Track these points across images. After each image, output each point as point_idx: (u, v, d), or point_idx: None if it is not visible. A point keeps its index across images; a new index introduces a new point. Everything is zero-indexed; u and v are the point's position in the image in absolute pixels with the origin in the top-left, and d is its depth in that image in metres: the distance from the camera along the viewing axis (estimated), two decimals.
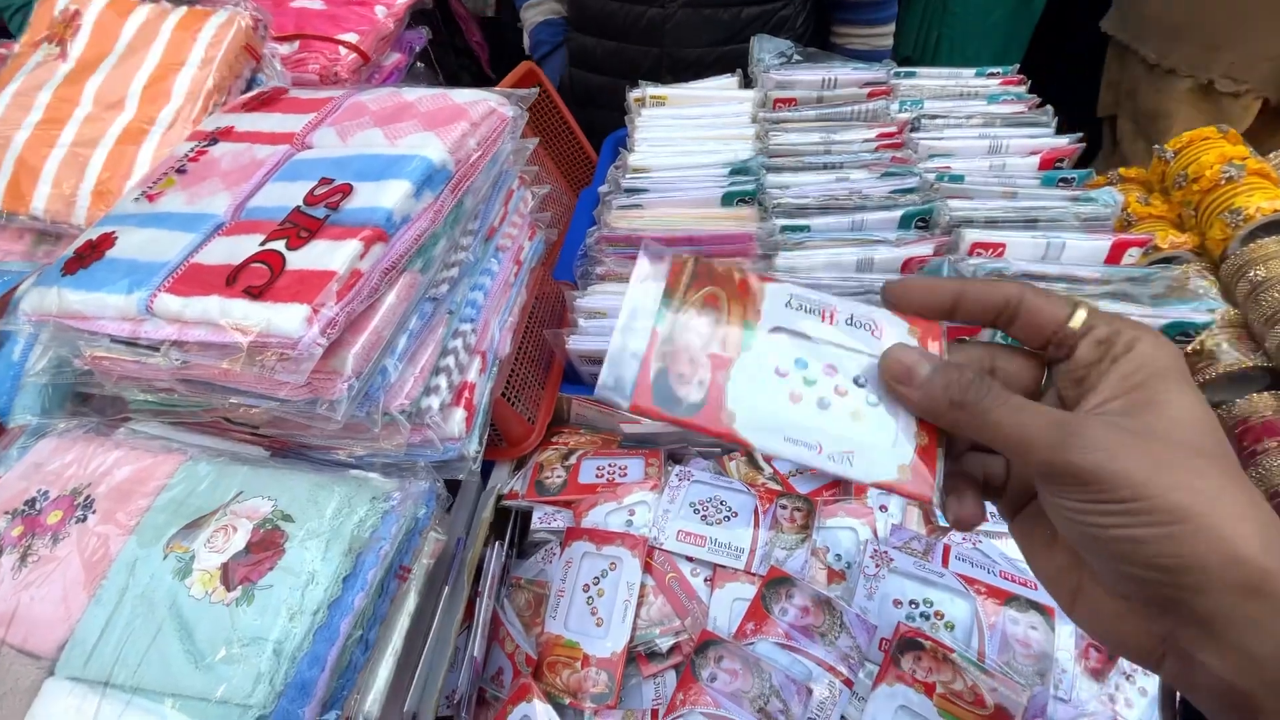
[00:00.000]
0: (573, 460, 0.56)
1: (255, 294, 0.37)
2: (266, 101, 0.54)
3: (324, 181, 0.42)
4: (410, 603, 0.43)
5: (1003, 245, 0.59)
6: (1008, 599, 0.42)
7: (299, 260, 0.38)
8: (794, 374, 0.26)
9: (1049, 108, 0.75)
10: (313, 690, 0.33)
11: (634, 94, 0.87)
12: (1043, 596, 0.42)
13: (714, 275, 0.28)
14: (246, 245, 0.40)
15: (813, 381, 0.26)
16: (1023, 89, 0.80)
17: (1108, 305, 0.52)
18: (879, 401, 0.25)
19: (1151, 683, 0.40)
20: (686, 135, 0.80)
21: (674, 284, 0.28)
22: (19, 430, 0.47)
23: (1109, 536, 0.20)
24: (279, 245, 0.39)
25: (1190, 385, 0.22)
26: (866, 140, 0.75)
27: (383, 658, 0.40)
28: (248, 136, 0.50)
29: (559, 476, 0.55)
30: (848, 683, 0.39)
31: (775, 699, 0.38)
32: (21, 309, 0.43)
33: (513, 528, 0.55)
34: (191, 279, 0.39)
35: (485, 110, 0.48)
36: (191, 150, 0.50)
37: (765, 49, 0.90)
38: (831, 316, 0.27)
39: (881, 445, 0.25)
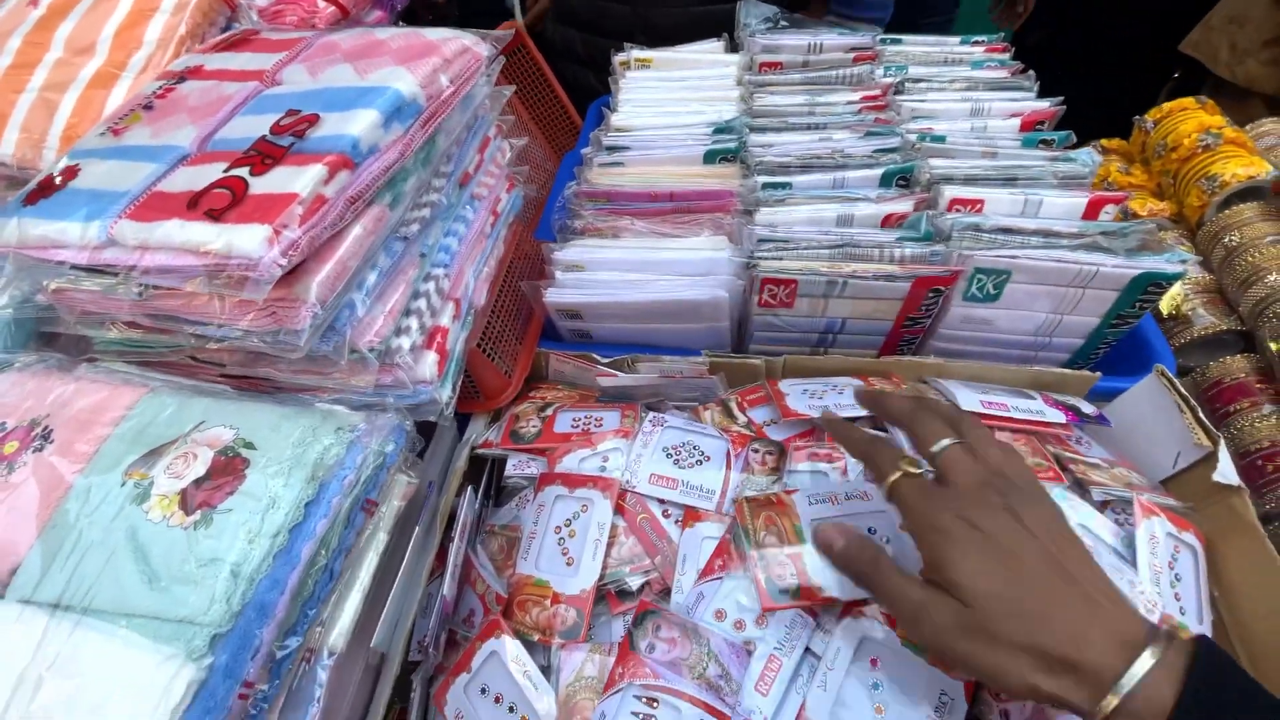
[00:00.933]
0: (548, 412, 0.56)
1: (216, 216, 0.36)
2: (237, 43, 0.53)
3: (290, 113, 0.42)
4: (380, 540, 0.43)
5: (981, 201, 0.59)
6: None
7: (262, 185, 0.38)
8: None
9: (1031, 73, 0.75)
10: (271, 612, 0.33)
11: (619, 57, 0.86)
12: None
13: (760, 502, 0.44)
14: (210, 173, 0.39)
15: None
16: (1006, 55, 0.80)
17: (1083, 256, 0.52)
18: (891, 541, 0.40)
19: None
20: (671, 96, 0.80)
21: (743, 521, 0.43)
22: None
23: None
24: (242, 171, 0.39)
25: (971, 559, 0.30)
26: (850, 102, 0.75)
27: (350, 591, 0.40)
28: (216, 74, 0.49)
29: (534, 426, 0.55)
30: (813, 612, 0.39)
31: (714, 664, 0.38)
32: None
33: (488, 478, 0.55)
34: (153, 206, 0.39)
35: (459, 48, 0.47)
36: (159, 88, 0.49)
37: (752, 14, 0.90)
38: (834, 499, 0.43)
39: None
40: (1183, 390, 0.50)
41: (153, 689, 0.30)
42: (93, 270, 0.39)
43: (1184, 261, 0.51)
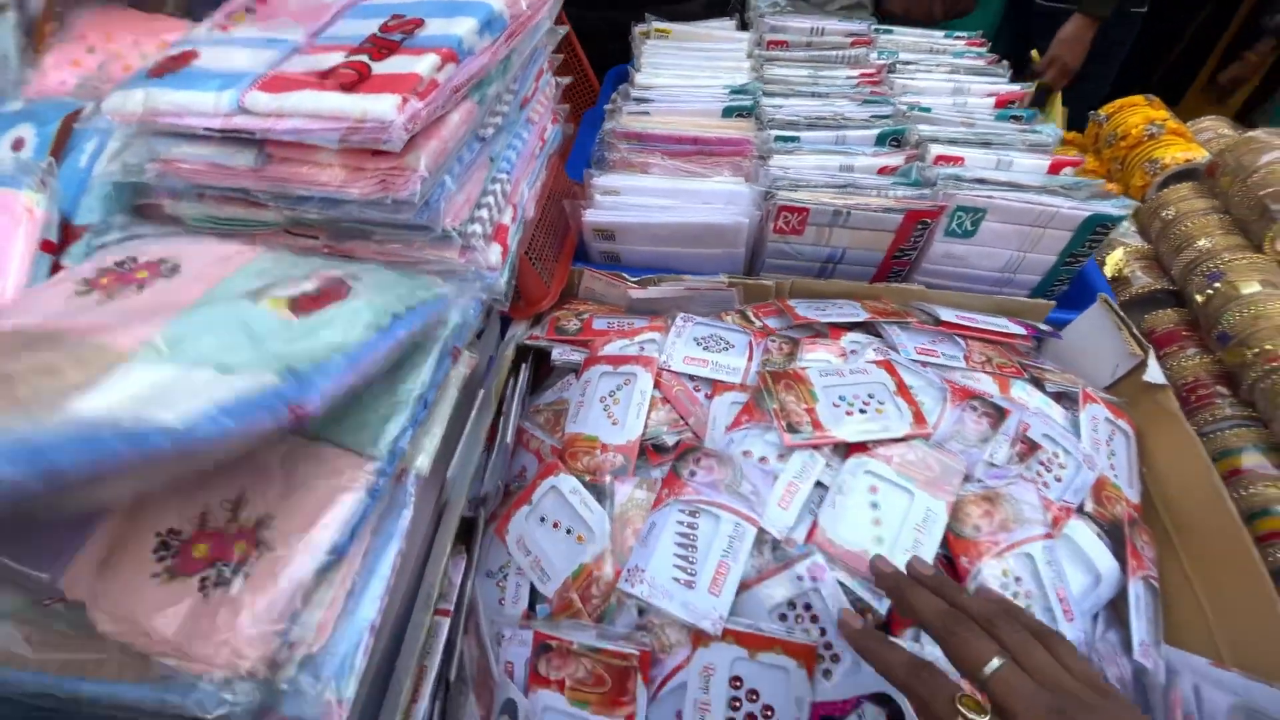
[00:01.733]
0: (585, 315, 0.63)
1: (349, 88, 0.42)
2: None
3: (395, 17, 0.48)
4: (453, 390, 0.49)
5: (961, 158, 0.69)
6: (970, 397, 0.52)
7: (383, 68, 0.44)
8: (843, 405, 0.50)
9: (1005, 62, 0.86)
10: (344, 374, 0.37)
11: (639, 27, 0.94)
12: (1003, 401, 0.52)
13: (779, 374, 0.52)
14: (330, 59, 0.45)
15: (851, 404, 0.50)
16: (983, 49, 0.91)
17: (1045, 199, 0.62)
18: (883, 402, 0.51)
19: (1067, 469, 0.50)
20: (689, 63, 0.88)
21: (765, 385, 0.51)
22: (84, 229, 0.51)
23: None
24: (363, 57, 0.45)
25: None
26: (850, 77, 0.85)
27: (436, 419, 0.46)
28: None
29: (575, 324, 0.62)
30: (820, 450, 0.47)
31: (745, 481, 0.46)
32: (105, 108, 0.46)
33: (530, 370, 0.62)
34: (279, 82, 0.44)
35: None
36: None
37: None
38: (841, 373, 0.52)
39: (898, 420, 0.50)
40: (1121, 313, 0.60)
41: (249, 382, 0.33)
42: (225, 135, 0.45)
43: (1125, 208, 0.61)
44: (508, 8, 0.50)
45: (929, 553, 0.44)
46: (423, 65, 0.43)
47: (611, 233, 0.67)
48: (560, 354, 0.59)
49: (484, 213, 0.53)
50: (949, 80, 0.83)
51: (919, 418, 0.49)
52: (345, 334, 0.39)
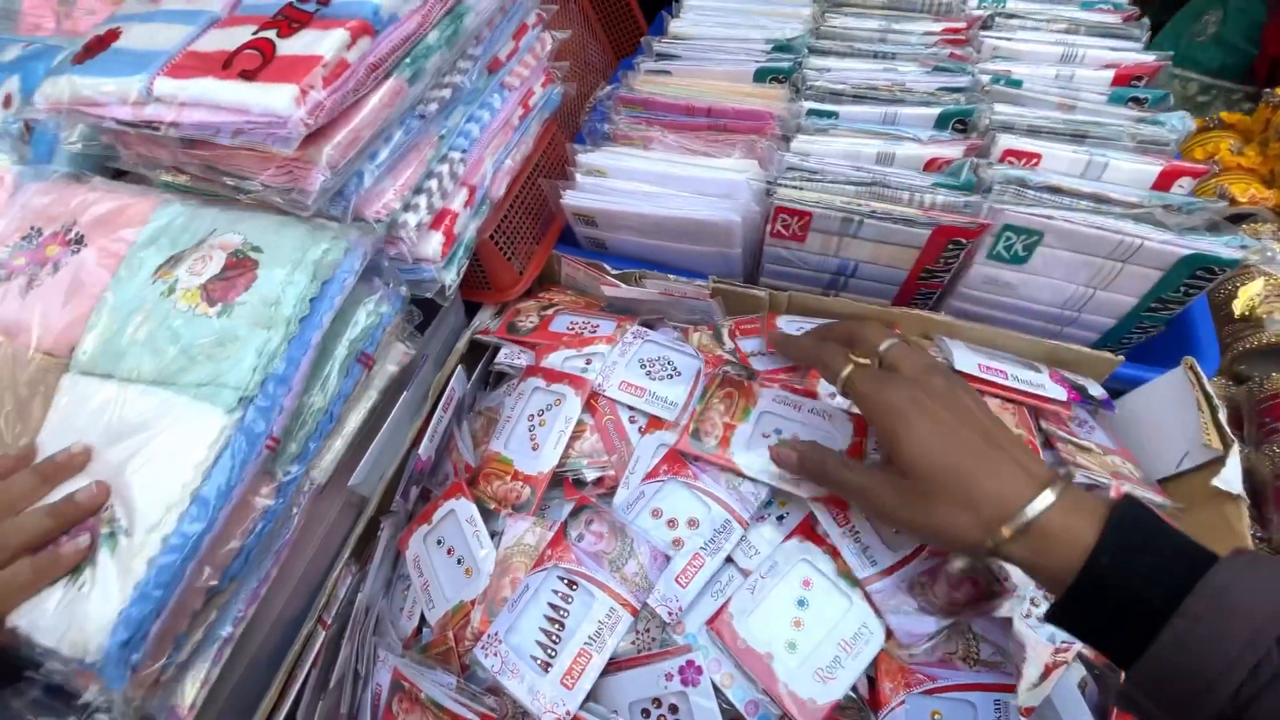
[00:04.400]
0: (549, 312, 0.58)
1: (249, 76, 0.38)
2: None
3: None
4: (371, 397, 0.47)
5: (1038, 155, 0.54)
6: None
7: (288, 47, 0.40)
8: (773, 436, 0.44)
9: (1145, 20, 0.66)
10: (290, 384, 0.38)
11: None
12: None
13: (732, 380, 0.48)
14: (240, 35, 0.41)
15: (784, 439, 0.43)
16: None
17: (1130, 228, 0.47)
18: None
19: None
20: (737, 7, 0.75)
21: (710, 384, 0.48)
22: None
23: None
24: (270, 34, 0.41)
25: (918, 430, 0.33)
26: (929, 33, 0.69)
27: (339, 433, 0.44)
28: None
29: (531, 322, 0.57)
30: (742, 523, 0.40)
31: (634, 561, 0.40)
32: (36, 98, 0.45)
33: (485, 363, 0.58)
34: (189, 65, 0.41)
35: None
36: None
37: None
38: (797, 406, 0.45)
39: None
40: (1208, 389, 0.46)
41: (196, 435, 0.36)
42: (135, 125, 0.42)
43: (1244, 248, 0.46)
44: None
45: (848, 678, 0.37)
46: (326, 45, 0.38)
47: (593, 218, 0.60)
48: (506, 355, 0.55)
49: (422, 199, 0.49)
50: (1059, 43, 0.65)
51: None
52: (273, 336, 0.38)
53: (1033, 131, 0.56)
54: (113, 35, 0.45)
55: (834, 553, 0.40)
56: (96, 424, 0.38)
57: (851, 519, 0.40)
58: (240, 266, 0.41)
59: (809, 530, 0.41)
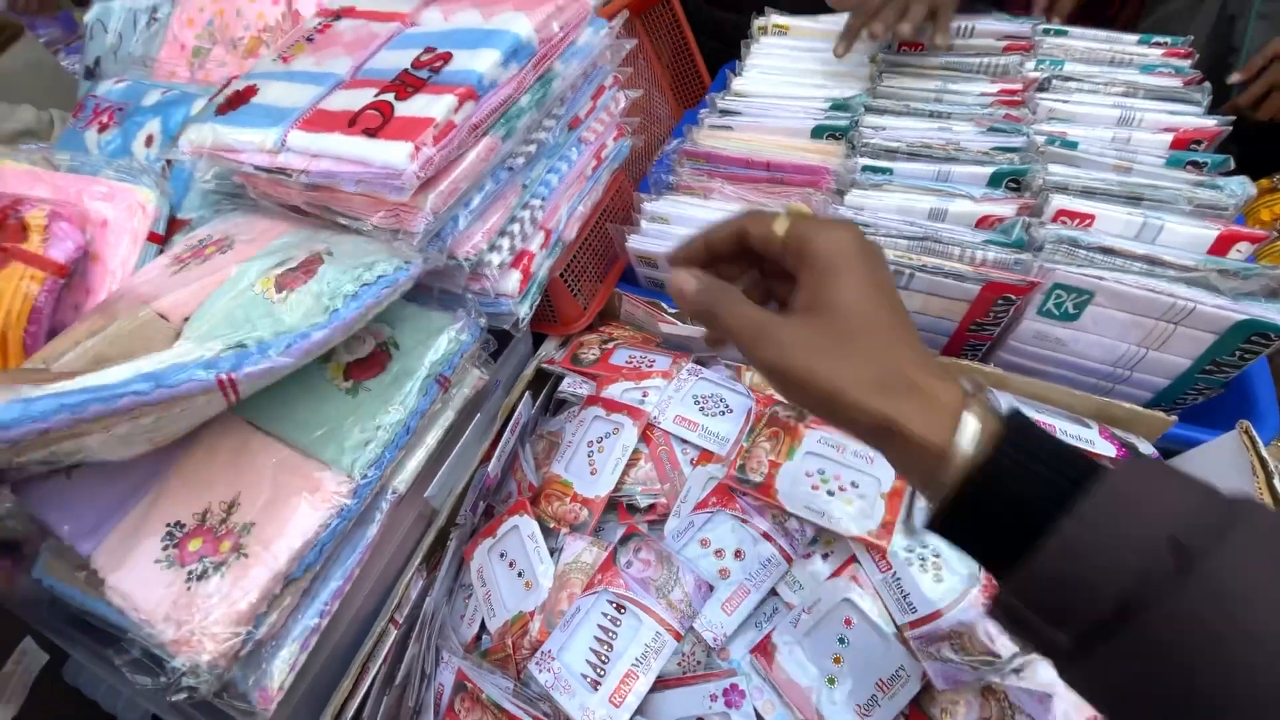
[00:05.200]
0: (609, 345, 0.62)
1: (371, 133, 0.44)
2: None
3: (428, 50, 0.49)
4: (448, 416, 0.52)
5: (1092, 216, 0.56)
6: None
7: (405, 109, 0.46)
8: (816, 476, 0.46)
9: (1207, 85, 0.67)
10: (280, 357, 0.42)
11: (758, 21, 0.87)
12: None
13: (780, 419, 0.50)
14: (362, 96, 0.48)
15: (826, 480, 0.46)
16: (1186, 63, 0.71)
17: (1183, 291, 0.48)
18: (863, 496, 0.44)
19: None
20: (798, 66, 0.80)
21: (757, 421, 0.50)
22: (186, 222, 0.60)
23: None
24: (389, 97, 0.47)
25: (857, 274, 0.29)
26: (984, 94, 0.71)
27: (417, 450, 0.49)
28: (366, 15, 0.57)
29: (593, 354, 0.61)
30: (787, 557, 0.43)
31: (679, 589, 0.43)
32: (181, 142, 0.53)
33: (549, 391, 0.63)
34: (318, 121, 0.48)
35: None
36: (319, 24, 0.58)
37: None
38: (840, 449, 0.47)
39: (860, 518, 0.43)
40: (1264, 454, 0.46)
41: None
42: (270, 171, 0.49)
43: None
44: (537, 33, 0.49)
45: (885, 717, 0.38)
46: (438, 108, 0.44)
47: (654, 261, 0.65)
48: (569, 384, 0.59)
49: (506, 241, 0.54)
50: (1116, 105, 0.67)
51: (886, 529, 0.42)
52: (299, 318, 0.43)
53: (1087, 192, 0.58)
54: (250, 91, 0.53)
55: (875, 595, 0.42)
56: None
57: (892, 565, 0.42)
58: (310, 264, 0.47)
59: (852, 571, 0.43)
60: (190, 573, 0.41)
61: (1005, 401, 0.51)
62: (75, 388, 0.37)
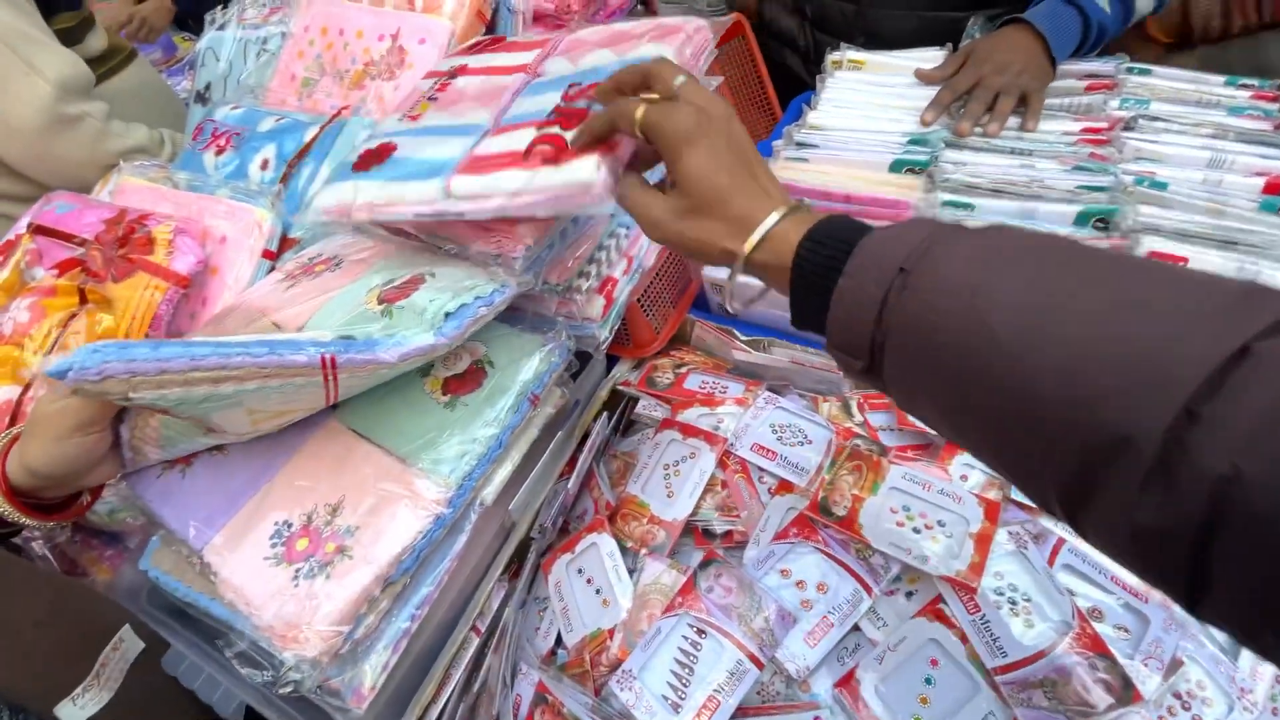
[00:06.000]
0: (682, 369, 0.63)
1: (551, 161, 0.44)
2: (488, 46, 0.64)
3: (573, 85, 0.50)
4: (533, 433, 0.54)
5: (1185, 260, 0.55)
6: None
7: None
8: (901, 513, 0.47)
9: None
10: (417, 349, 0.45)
11: (832, 56, 0.88)
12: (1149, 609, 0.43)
13: (862, 454, 0.51)
14: (521, 137, 0.47)
15: (912, 517, 0.46)
16: (1275, 106, 0.70)
17: None
18: (950, 535, 0.44)
19: (1213, 708, 0.39)
20: (874, 101, 0.81)
21: (839, 455, 0.51)
22: (295, 241, 0.64)
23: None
24: (554, 130, 0.46)
25: (699, 146, 0.36)
26: (1068, 133, 0.71)
27: (506, 460, 0.51)
28: (484, 70, 0.58)
29: (667, 378, 0.62)
30: (870, 592, 0.43)
31: (761, 618, 0.43)
32: (317, 206, 0.53)
33: (621, 412, 0.64)
34: (477, 165, 0.47)
35: (696, 26, 0.53)
36: (436, 84, 0.59)
37: (982, 27, 0.86)
38: (927, 486, 0.47)
39: (947, 558, 0.43)
40: None
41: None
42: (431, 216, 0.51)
43: None
44: (676, 58, 0.51)
45: None
46: None
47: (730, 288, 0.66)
48: (644, 407, 0.61)
49: (593, 267, 0.56)
50: (1206, 148, 0.66)
51: (975, 570, 0.42)
52: (401, 329, 0.46)
53: (1180, 235, 0.57)
54: (389, 148, 0.54)
55: (963, 637, 0.42)
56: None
57: (981, 607, 0.42)
58: (414, 282, 0.49)
59: (938, 611, 0.42)
60: (298, 571, 0.44)
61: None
62: (200, 340, 0.40)
